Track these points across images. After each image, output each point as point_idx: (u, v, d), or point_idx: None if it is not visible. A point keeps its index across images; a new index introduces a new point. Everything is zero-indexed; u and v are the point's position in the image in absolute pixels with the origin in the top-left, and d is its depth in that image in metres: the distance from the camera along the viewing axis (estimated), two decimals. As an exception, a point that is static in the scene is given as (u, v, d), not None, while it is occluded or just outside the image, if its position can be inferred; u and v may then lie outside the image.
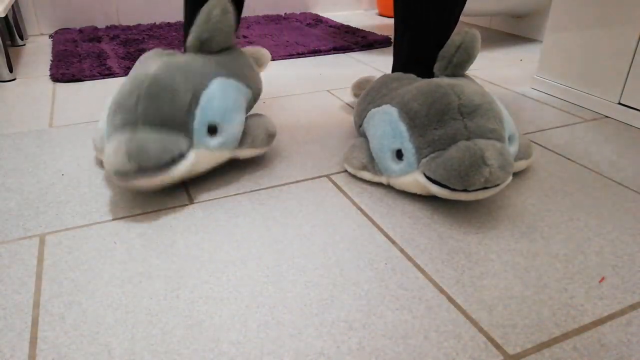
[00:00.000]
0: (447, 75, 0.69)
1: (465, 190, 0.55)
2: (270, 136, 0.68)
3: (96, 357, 0.40)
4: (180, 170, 0.58)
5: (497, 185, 0.56)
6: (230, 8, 0.66)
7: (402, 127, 0.61)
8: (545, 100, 0.98)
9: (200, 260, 0.51)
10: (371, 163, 0.66)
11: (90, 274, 0.49)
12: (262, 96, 0.99)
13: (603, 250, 0.54)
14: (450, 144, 0.57)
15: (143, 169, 0.55)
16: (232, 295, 0.47)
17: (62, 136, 0.80)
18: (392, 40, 1.46)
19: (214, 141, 0.61)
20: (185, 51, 0.70)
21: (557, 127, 0.86)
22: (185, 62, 0.62)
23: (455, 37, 0.67)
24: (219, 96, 0.62)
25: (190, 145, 0.59)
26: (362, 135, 0.73)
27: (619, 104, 0.89)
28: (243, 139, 0.66)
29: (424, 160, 0.59)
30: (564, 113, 0.92)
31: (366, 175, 0.66)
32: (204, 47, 0.66)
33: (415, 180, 0.60)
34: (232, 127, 0.63)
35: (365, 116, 0.70)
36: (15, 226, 0.57)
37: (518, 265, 0.51)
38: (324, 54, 1.31)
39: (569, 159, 0.74)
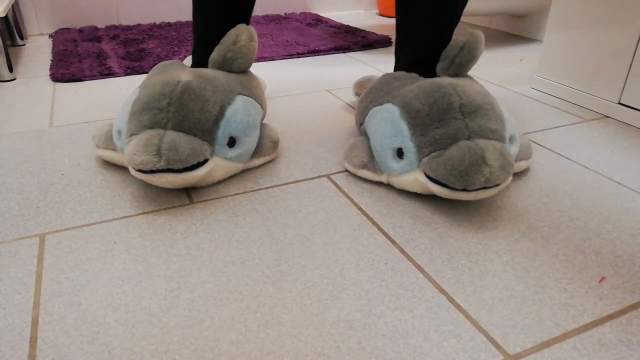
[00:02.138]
0: (450, 75, 0.69)
1: (465, 190, 0.55)
2: (275, 143, 0.72)
3: (96, 357, 0.40)
4: (199, 174, 0.60)
5: (497, 185, 0.56)
6: (256, 37, 0.70)
7: (404, 126, 0.61)
8: (545, 100, 0.98)
9: (200, 260, 0.51)
10: (371, 161, 0.66)
11: (90, 274, 0.49)
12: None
13: (603, 250, 0.54)
14: (451, 144, 0.57)
15: (171, 167, 0.57)
16: (232, 295, 0.47)
17: (62, 136, 0.80)
18: (393, 40, 1.46)
19: (232, 152, 0.64)
20: (192, 64, 0.74)
21: (557, 127, 0.86)
22: (213, 77, 0.65)
23: (460, 37, 0.67)
24: (242, 112, 0.65)
25: (212, 153, 0.62)
26: (363, 133, 0.72)
27: (619, 104, 0.89)
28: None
29: (424, 159, 0.59)
30: (564, 113, 0.92)
31: (366, 173, 0.66)
32: (224, 66, 0.70)
33: (415, 179, 0.60)
34: (249, 142, 0.66)
35: (366, 114, 0.70)
36: (15, 226, 0.57)
37: (518, 265, 0.51)
38: (324, 54, 1.31)
39: (569, 159, 0.74)
